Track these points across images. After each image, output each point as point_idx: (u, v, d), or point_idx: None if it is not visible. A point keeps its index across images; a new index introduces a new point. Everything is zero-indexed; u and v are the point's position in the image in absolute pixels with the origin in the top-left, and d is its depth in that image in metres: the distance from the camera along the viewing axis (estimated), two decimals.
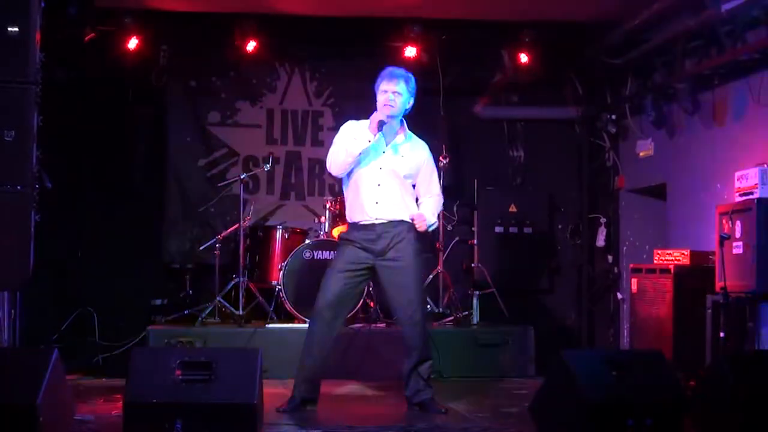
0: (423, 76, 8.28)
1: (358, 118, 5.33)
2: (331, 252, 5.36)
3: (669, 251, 6.69)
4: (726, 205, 6.01)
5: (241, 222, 7.41)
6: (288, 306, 7.06)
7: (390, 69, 5.27)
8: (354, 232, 5.25)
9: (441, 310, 7.67)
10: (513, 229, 8.66)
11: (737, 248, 5.74)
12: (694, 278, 6.29)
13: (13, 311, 5.66)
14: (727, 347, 5.68)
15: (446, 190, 7.90)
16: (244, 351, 5.04)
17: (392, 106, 5.17)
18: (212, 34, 8.00)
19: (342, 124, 5.37)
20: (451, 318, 7.59)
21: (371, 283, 6.73)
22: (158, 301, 7.95)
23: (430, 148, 5.50)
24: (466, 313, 7.71)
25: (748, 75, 6.52)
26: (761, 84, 6.32)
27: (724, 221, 5.89)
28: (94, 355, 7.48)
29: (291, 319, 7.13)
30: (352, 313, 6.90)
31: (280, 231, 7.60)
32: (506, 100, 8.90)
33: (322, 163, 5.49)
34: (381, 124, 5.15)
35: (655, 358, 4.58)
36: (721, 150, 6.89)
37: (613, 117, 8.42)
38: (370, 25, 7.81)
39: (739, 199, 5.90)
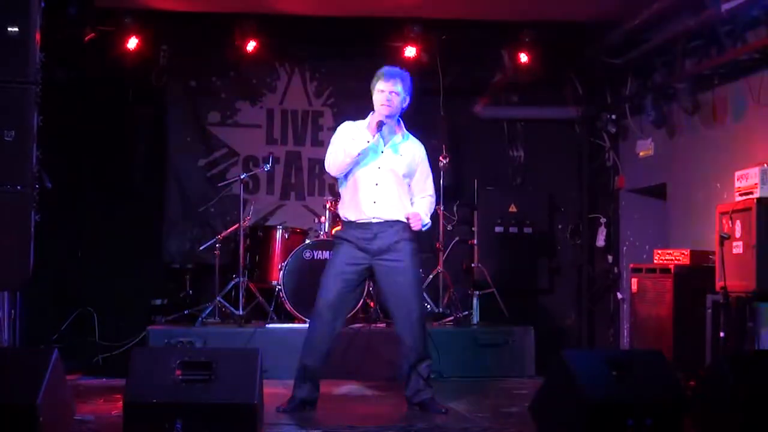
0: (423, 76, 8.34)
1: (358, 118, 5.32)
2: (331, 252, 5.36)
3: (669, 251, 6.69)
4: (726, 205, 6.01)
5: (241, 222, 7.40)
6: (288, 306, 7.06)
7: (386, 68, 5.27)
8: (350, 231, 5.25)
9: (441, 310, 7.66)
10: (513, 229, 8.66)
11: (737, 248, 5.73)
12: (694, 278, 6.29)
13: (13, 311, 5.66)
14: (727, 347, 5.68)
15: (446, 190, 7.99)
16: (244, 351, 5.03)
17: (390, 106, 5.17)
18: (212, 34, 8.00)
19: (341, 124, 5.38)
20: (451, 318, 7.59)
21: (371, 283, 6.75)
22: (158, 301, 7.95)
23: (430, 148, 5.50)
24: (466, 313, 7.71)
25: (748, 75, 6.52)
26: (761, 84, 6.32)
27: (724, 221, 5.88)
28: (94, 355, 7.49)
29: (291, 319, 7.13)
30: (352, 313, 6.91)
31: (280, 231, 7.60)
32: (506, 100, 8.90)
33: (322, 163, 5.47)
34: (380, 125, 5.15)
35: (655, 358, 4.58)
36: (721, 150, 6.89)
37: (613, 117, 8.42)
38: (370, 25, 7.81)
39: (739, 198, 5.89)
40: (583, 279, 8.85)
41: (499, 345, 7.13)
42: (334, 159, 5.21)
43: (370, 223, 5.19)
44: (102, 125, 8.02)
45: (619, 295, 8.47)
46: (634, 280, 6.87)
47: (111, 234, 8.00)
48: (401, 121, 5.35)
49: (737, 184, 5.95)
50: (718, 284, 5.79)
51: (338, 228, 6.41)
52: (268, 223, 8.19)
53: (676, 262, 6.48)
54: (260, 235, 7.68)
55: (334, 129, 5.44)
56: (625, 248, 8.63)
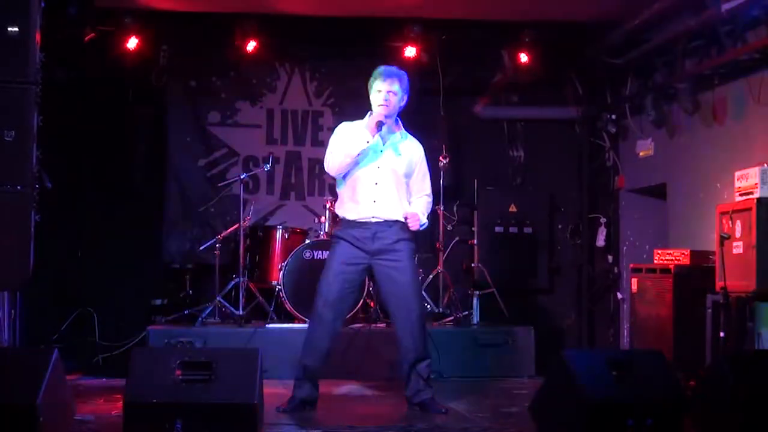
0: (423, 76, 8.36)
1: (358, 118, 5.33)
2: (329, 251, 5.38)
3: (669, 251, 6.69)
4: (726, 205, 6.01)
5: (241, 222, 7.40)
6: (288, 306, 7.06)
7: (383, 68, 5.27)
8: (348, 230, 5.24)
9: (441, 310, 7.66)
10: (513, 229, 8.66)
11: (737, 248, 5.73)
12: (694, 278, 6.29)
13: (13, 311, 5.67)
14: (727, 347, 5.68)
15: (446, 190, 7.99)
16: (244, 351, 5.03)
17: (388, 106, 5.17)
18: (212, 34, 8.00)
19: (339, 125, 5.39)
20: (451, 318, 7.59)
21: (371, 283, 6.76)
22: (158, 301, 7.95)
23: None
24: (466, 313, 7.70)
25: (748, 75, 6.52)
26: (761, 84, 6.32)
27: (724, 221, 5.88)
28: (94, 355, 7.49)
29: (291, 319, 7.13)
30: (352, 313, 6.91)
31: (280, 231, 7.61)
32: (506, 100, 8.89)
33: (322, 163, 5.47)
34: (380, 125, 5.16)
35: (655, 358, 4.58)
36: (721, 150, 6.89)
37: (613, 117, 8.42)
38: (370, 25, 7.81)
39: (739, 198, 5.89)
40: (583, 279, 8.85)
41: (499, 345, 7.13)
42: (334, 159, 5.21)
43: (369, 223, 5.19)
44: (102, 125, 8.02)
45: (619, 295, 8.47)
46: (634, 280, 6.87)
47: (111, 234, 8.00)
48: (399, 121, 5.36)
49: (737, 184, 5.95)
50: (718, 284, 5.79)
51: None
52: (268, 223, 8.19)
53: (676, 262, 6.47)
54: (260, 235, 7.68)
55: (334, 129, 5.44)
56: (625, 248, 8.63)
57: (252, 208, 7.86)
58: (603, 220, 8.79)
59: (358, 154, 5.15)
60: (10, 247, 4.97)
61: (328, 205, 7.48)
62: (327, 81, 8.61)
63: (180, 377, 4.14)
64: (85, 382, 6.43)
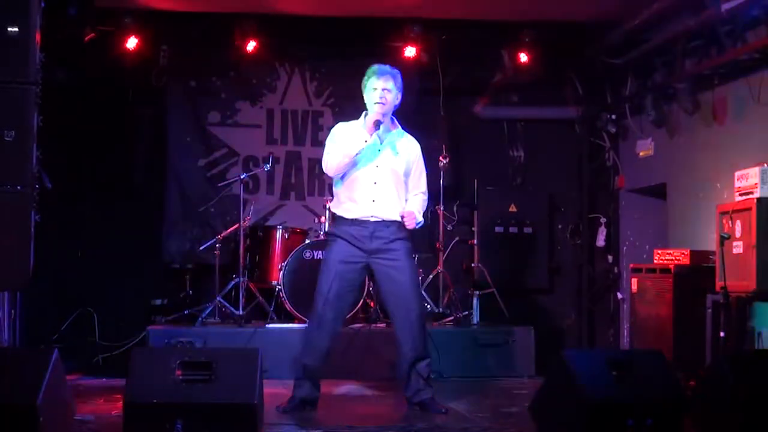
0: (423, 76, 8.37)
1: (357, 118, 5.33)
2: (325, 250, 5.37)
3: (669, 251, 6.69)
4: (726, 205, 6.01)
5: (241, 222, 7.40)
6: (288, 306, 7.06)
7: (377, 66, 5.27)
8: (344, 227, 5.23)
9: (441, 310, 7.66)
10: (513, 229, 8.66)
11: (737, 248, 5.74)
12: (694, 278, 6.29)
13: (13, 311, 5.67)
14: (727, 347, 5.68)
15: (446, 190, 7.99)
16: (244, 351, 5.03)
17: (384, 104, 5.17)
18: (212, 34, 7.99)
19: (335, 126, 5.39)
20: (451, 318, 7.59)
21: (371, 283, 6.75)
22: (158, 301, 7.95)
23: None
24: (466, 313, 7.71)
25: (748, 75, 6.52)
26: (761, 84, 6.32)
27: (724, 221, 5.89)
28: (94, 355, 7.49)
29: (291, 319, 7.13)
30: (352, 312, 6.91)
31: (280, 231, 7.61)
32: (506, 100, 8.89)
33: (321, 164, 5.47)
34: (378, 124, 5.16)
35: (655, 358, 4.58)
36: (721, 150, 6.89)
37: (613, 117, 8.42)
38: (370, 25, 7.81)
39: (739, 198, 5.90)
40: (583, 279, 8.85)
41: (499, 345, 7.13)
42: (332, 160, 5.21)
43: (367, 222, 5.19)
44: (102, 125, 8.02)
45: (619, 295, 8.47)
46: (634, 280, 6.87)
47: (111, 234, 8.00)
48: (395, 119, 5.35)
49: (737, 184, 5.95)
50: (718, 284, 5.79)
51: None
52: (268, 223, 8.19)
53: (676, 262, 6.47)
54: (260, 235, 7.68)
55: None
56: (625, 248, 8.63)
57: (252, 208, 7.86)
58: (603, 220, 8.79)
59: (357, 154, 5.15)
60: (10, 247, 4.98)
61: (328, 205, 7.47)
62: (327, 81, 8.61)
63: (180, 377, 4.14)
64: (85, 382, 6.43)
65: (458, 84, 8.62)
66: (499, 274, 8.13)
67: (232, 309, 7.23)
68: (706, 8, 6.51)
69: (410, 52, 7.99)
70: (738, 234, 5.73)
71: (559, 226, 8.92)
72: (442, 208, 7.93)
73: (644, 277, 6.76)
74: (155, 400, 4.07)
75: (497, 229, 8.62)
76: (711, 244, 6.23)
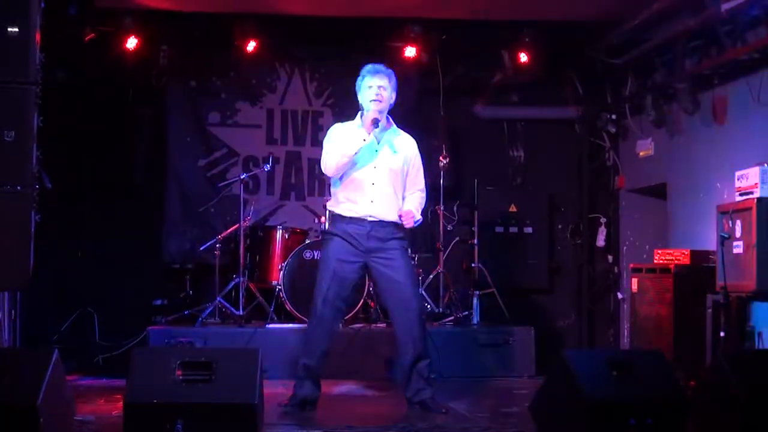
0: (423, 76, 8.37)
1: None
2: (322, 249, 5.38)
3: (669, 251, 6.69)
4: (726, 205, 6.01)
5: (241, 222, 7.41)
6: (288, 306, 7.06)
7: (371, 65, 5.29)
8: (342, 225, 5.23)
9: (441, 310, 7.66)
10: (513, 229, 8.67)
11: (737, 248, 5.74)
12: (694, 278, 6.29)
13: (13, 311, 5.67)
14: (727, 347, 5.68)
15: (446, 190, 7.99)
16: (244, 351, 5.03)
17: (380, 101, 5.18)
18: (212, 34, 8.00)
19: (332, 127, 5.40)
20: (451, 318, 7.59)
21: (371, 283, 6.75)
22: (158, 302, 7.95)
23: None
24: (466, 313, 7.71)
25: (748, 75, 6.53)
26: (761, 84, 6.32)
27: (724, 221, 5.89)
28: (94, 355, 7.48)
29: (291, 319, 7.13)
30: (353, 313, 6.91)
31: (280, 231, 7.61)
32: (506, 100, 8.89)
33: None
34: (375, 122, 5.16)
35: (655, 358, 4.58)
36: (721, 149, 6.89)
37: (613, 117, 8.42)
38: (370, 25, 7.80)
39: (739, 198, 5.90)
40: (583, 279, 8.86)
41: (499, 345, 7.13)
42: (331, 160, 5.20)
43: (364, 221, 5.19)
44: (102, 125, 8.02)
45: (619, 295, 8.47)
46: (634, 280, 6.87)
47: (111, 234, 8.00)
48: (390, 118, 5.35)
49: (737, 184, 5.96)
50: (718, 284, 5.79)
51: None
52: (268, 223, 8.19)
53: (676, 262, 6.48)
54: (260, 235, 7.68)
55: None
56: (625, 248, 8.64)
57: (252, 208, 7.86)
58: (603, 220, 8.79)
59: (356, 153, 5.15)
60: (10, 247, 4.97)
61: (328, 205, 7.48)
62: (327, 81, 8.60)
63: (180, 377, 4.14)
64: (85, 383, 6.43)
65: (458, 84, 8.62)
66: (499, 274, 8.13)
67: (233, 309, 7.23)
68: (706, 8, 6.51)
69: (410, 52, 7.99)
70: (738, 234, 5.73)
71: (559, 226, 8.92)
72: (442, 208, 7.93)
73: (644, 277, 6.76)
74: (155, 400, 4.07)
75: (497, 229, 8.64)
76: (711, 244, 6.23)
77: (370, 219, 5.19)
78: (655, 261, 6.78)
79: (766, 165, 5.75)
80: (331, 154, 5.21)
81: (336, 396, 5.92)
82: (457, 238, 8.41)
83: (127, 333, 7.47)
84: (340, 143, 5.19)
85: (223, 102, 8.50)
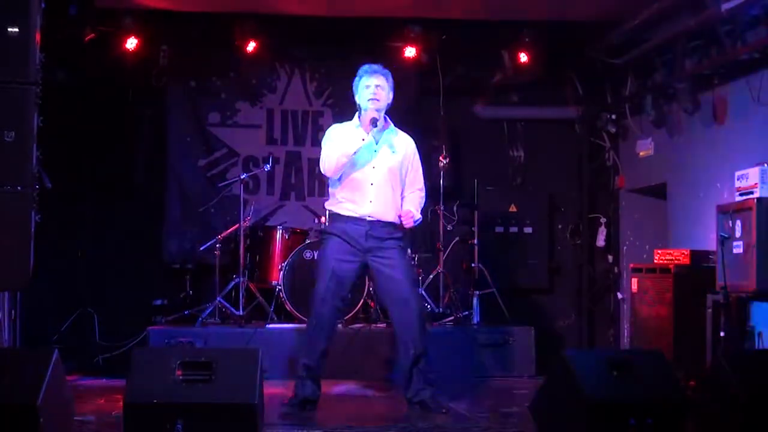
0: (423, 76, 8.37)
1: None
2: (320, 249, 5.38)
3: (669, 251, 6.69)
4: (726, 205, 6.01)
5: (241, 222, 7.41)
6: (288, 306, 7.06)
7: (368, 65, 5.30)
8: (340, 225, 5.24)
9: (441, 310, 7.67)
10: (513, 229, 8.68)
11: (737, 248, 5.74)
12: (694, 278, 6.29)
13: (13, 311, 5.66)
14: (727, 347, 5.68)
15: (446, 190, 7.99)
16: (244, 351, 5.03)
17: (378, 100, 5.19)
18: (212, 34, 7.99)
19: (330, 127, 5.40)
20: (451, 318, 7.59)
21: (371, 283, 6.75)
22: (158, 302, 7.95)
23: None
24: (466, 313, 7.71)
25: (748, 74, 6.52)
26: (761, 83, 6.32)
27: (724, 221, 5.89)
28: (94, 355, 7.49)
29: (291, 319, 7.13)
30: (353, 313, 6.92)
31: (280, 231, 7.61)
32: (506, 100, 8.89)
33: None
34: (374, 121, 5.16)
35: (655, 358, 4.58)
36: (721, 149, 6.89)
37: (613, 117, 8.43)
38: (370, 25, 7.80)
39: (739, 198, 5.90)
40: (583, 279, 8.86)
41: (499, 345, 7.14)
42: (331, 161, 5.20)
43: (363, 220, 5.19)
44: (102, 125, 8.02)
45: (619, 295, 8.47)
46: (634, 280, 6.87)
47: (111, 234, 8.00)
48: (387, 118, 5.36)
49: (737, 183, 5.95)
50: (718, 284, 5.79)
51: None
52: (268, 224, 8.18)
53: (676, 262, 6.48)
54: (260, 236, 7.68)
55: None
56: (625, 248, 8.64)
57: (252, 208, 7.86)
58: (603, 220, 8.79)
59: (355, 153, 5.16)
60: (10, 247, 4.97)
61: (326, 205, 7.47)
62: (327, 81, 8.60)
63: (180, 377, 4.14)
64: (85, 383, 6.43)
65: (458, 84, 8.62)
66: (499, 274, 8.14)
67: (233, 309, 7.23)
68: (706, 8, 6.51)
69: (410, 52, 7.99)
70: (738, 234, 5.73)
71: (559, 226, 8.92)
72: (442, 208, 7.93)
73: (644, 277, 6.76)
74: (155, 401, 4.07)
75: (497, 229, 8.64)
76: (711, 244, 6.23)
77: (368, 219, 5.19)
78: (655, 261, 6.78)
79: (766, 165, 5.75)
80: (331, 154, 5.21)
81: (336, 396, 5.92)
82: (457, 238, 8.41)
83: (127, 333, 7.47)
84: (339, 143, 5.19)
85: (223, 102, 8.50)
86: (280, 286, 7.10)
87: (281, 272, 7.13)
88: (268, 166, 7.56)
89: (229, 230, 7.63)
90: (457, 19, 7.81)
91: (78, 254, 7.97)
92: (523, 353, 7.16)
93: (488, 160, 8.82)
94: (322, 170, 5.33)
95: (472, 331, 7.32)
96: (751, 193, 5.75)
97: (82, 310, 7.70)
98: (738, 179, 5.95)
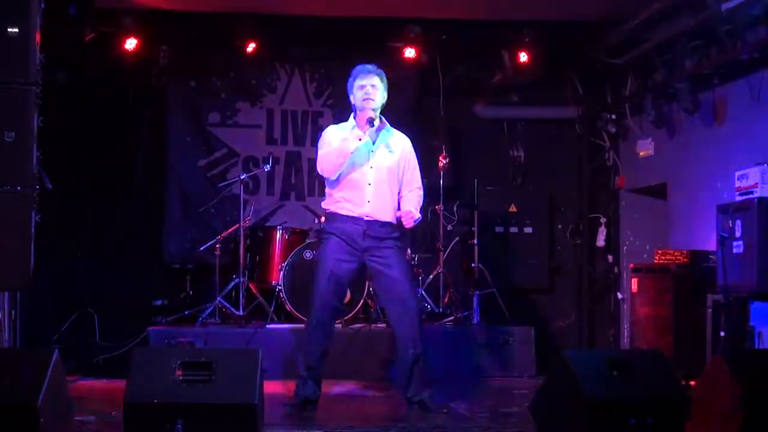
0: (423, 76, 8.37)
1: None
2: (319, 248, 5.39)
3: (669, 251, 6.69)
4: (726, 205, 6.01)
5: (241, 222, 7.41)
6: (288, 306, 7.06)
7: (362, 65, 5.31)
8: (338, 224, 5.23)
9: (441, 310, 7.66)
10: (513, 229, 8.68)
11: (737, 248, 5.74)
12: (694, 278, 6.30)
13: (13, 312, 5.66)
14: (727, 347, 5.68)
15: (446, 190, 7.99)
16: (244, 351, 5.03)
17: (373, 99, 5.19)
18: (212, 34, 8.00)
19: (326, 129, 5.40)
20: (451, 318, 7.59)
21: (371, 283, 6.75)
22: (159, 302, 7.95)
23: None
24: (466, 313, 7.71)
25: (748, 74, 6.53)
26: (761, 83, 6.32)
27: (724, 221, 5.89)
28: (94, 355, 7.48)
29: (291, 319, 7.13)
30: (353, 313, 6.92)
31: (280, 231, 7.61)
32: (506, 100, 8.89)
33: None
34: (370, 121, 5.16)
35: (655, 358, 4.58)
36: (721, 149, 6.89)
37: (613, 117, 8.43)
38: (370, 25, 7.81)
39: (739, 198, 5.90)
40: (583, 279, 8.86)
41: (499, 345, 7.14)
42: (328, 161, 5.20)
43: (360, 220, 5.19)
44: (102, 125, 8.02)
45: (619, 295, 8.47)
46: (634, 280, 6.88)
47: (111, 234, 8.01)
48: (383, 117, 5.36)
49: (737, 183, 5.96)
50: (718, 284, 5.79)
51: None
52: (268, 224, 8.19)
53: (676, 262, 6.48)
54: (260, 236, 7.68)
55: None
56: (625, 248, 8.64)
57: (252, 208, 7.87)
58: (603, 220, 8.79)
59: (352, 153, 5.16)
60: (10, 247, 4.97)
61: (323, 205, 7.47)
62: (327, 81, 8.60)
63: (180, 377, 4.14)
64: (85, 383, 6.42)
65: (458, 84, 8.62)
66: (499, 274, 8.14)
67: (233, 309, 7.23)
68: (706, 8, 6.51)
69: (410, 52, 8.00)
70: (738, 234, 5.73)
71: (559, 226, 8.92)
72: (442, 208, 7.92)
73: (644, 277, 6.76)
74: (155, 401, 4.07)
75: (497, 229, 8.64)
76: (711, 244, 6.23)
77: (366, 218, 5.19)
78: (655, 261, 6.78)
79: (766, 165, 5.75)
80: (328, 155, 5.21)
81: (336, 396, 5.92)
82: (457, 238, 8.41)
83: (127, 333, 7.47)
84: (336, 144, 5.19)
85: (223, 102, 8.50)
86: (280, 286, 7.10)
87: (281, 272, 7.13)
88: (268, 166, 7.56)
89: (229, 230, 7.64)
90: (457, 19, 7.82)
91: (78, 254, 7.97)
92: (523, 353, 7.16)
93: (488, 160, 8.83)
94: (319, 171, 5.33)
95: (472, 331, 7.33)
96: (751, 193, 5.75)
97: (82, 310, 7.70)
98: (738, 179, 5.95)
